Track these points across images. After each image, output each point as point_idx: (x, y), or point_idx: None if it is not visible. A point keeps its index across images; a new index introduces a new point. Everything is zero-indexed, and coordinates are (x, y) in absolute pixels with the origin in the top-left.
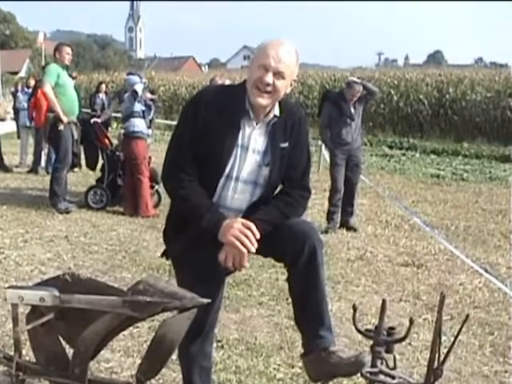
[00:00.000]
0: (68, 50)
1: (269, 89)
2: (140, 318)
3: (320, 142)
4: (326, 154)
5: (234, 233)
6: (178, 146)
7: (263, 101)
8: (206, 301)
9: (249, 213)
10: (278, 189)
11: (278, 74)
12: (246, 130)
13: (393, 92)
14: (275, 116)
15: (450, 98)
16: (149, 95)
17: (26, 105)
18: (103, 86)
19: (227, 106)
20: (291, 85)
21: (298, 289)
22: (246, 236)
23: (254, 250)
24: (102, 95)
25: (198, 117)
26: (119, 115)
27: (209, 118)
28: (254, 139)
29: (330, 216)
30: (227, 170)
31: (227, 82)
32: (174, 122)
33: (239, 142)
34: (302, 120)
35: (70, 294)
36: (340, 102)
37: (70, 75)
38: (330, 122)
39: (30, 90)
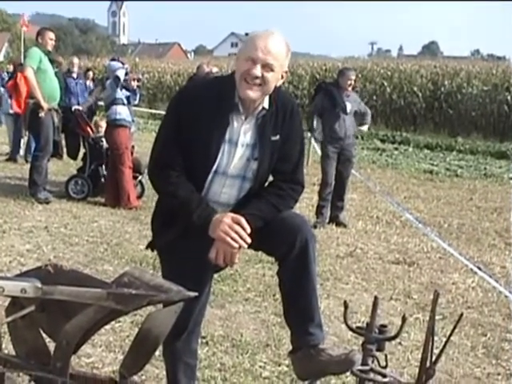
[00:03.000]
0: (51, 35)
1: (258, 81)
2: (124, 312)
3: (309, 134)
4: (316, 146)
5: (223, 228)
6: (164, 141)
7: (253, 93)
8: (192, 294)
9: (239, 207)
10: (269, 181)
11: (267, 66)
12: (235, 124)
13: (386, 84)
14: (264, 108)
15: (445, 91)
16: (133, 75)
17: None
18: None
19: (214, 100)
20: (282, 77)
21: (289, 283)
22: (236, 232)
23: (245, 245)
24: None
25: (182, 113)
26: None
27: (194, 114)
28: (242, 133)
29: (319, 210)
30: (215, 165)
31: (214, 70)
32: (158, 111)
33: (227, 137)
34: (295, 111)
35: (53, 286)
36: (334, 92)
37: (55, 60)
38: (323, 113)
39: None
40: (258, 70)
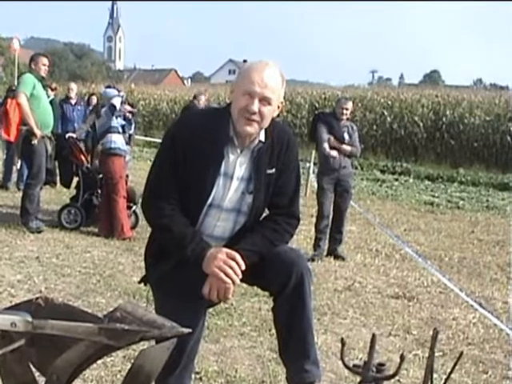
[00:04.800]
0: (45, 60)
1: (256, 117)
2: (116, 347)
3: (308, 164)
4: (313, 177)
5: (217, 264)
6: (158, 175)
7: (251, 129)
8: (186, 330)
9: (233, 241)
10: (265, 215)
11: (264, 100)
12: (230, 157)
13: (386, 113)
14: (260, 141)
15: (447, 121)
16: (128, 107)
17: None
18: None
19: (209, 134)
20: (278, 107)
21: (284, 319)
22: (231, 267)
23: (238, 281)
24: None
25: (177, 146)
26: None
27: (189, 147)
28: (238, 167)
29: (316, 243)
30: (210, 198)
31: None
32: (154, 139)
33: (222, 170)
34: (291, 143)
35: (43, 320)
36: (332, 122)
37: (49, 86)
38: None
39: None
40: (255, 106)
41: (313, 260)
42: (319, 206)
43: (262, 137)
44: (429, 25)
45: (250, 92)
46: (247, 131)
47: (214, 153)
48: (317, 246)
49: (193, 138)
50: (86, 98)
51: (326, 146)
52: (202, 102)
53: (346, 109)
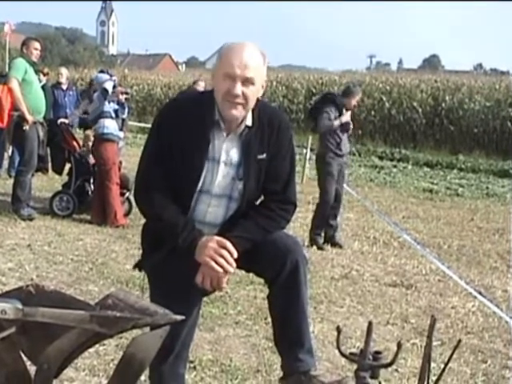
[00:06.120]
0: (37, 45)
1: (239, 100)
2: (108, 335)
3: (305, 151)
4: (308, 164)
5: (208, 253)
6: (147, 164)
7: (236, 112)
8: (179, 317)
9: (227, 228)
10: (260, 200)
11: (247, 81)
12: (216, 141)
13: (384, 98)
14: (247, 126)
15: (446, 107)
16: (120, 88)
17: None
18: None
19: (194, 118)
20: (263, 87)
21: (278, 306)
22: (222, 256)
23: (232, 270)
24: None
25: (164, 134)
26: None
27: (175, 133)
28: (225, 151)
29: (314, 231)
30: (199, 184)
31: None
32: (148, 125)
33: (209, 155)
34: (283, 127)
35: (34, 307)
36: (342, 110)
37: (41, 71)
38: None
39: None
40: (238, 89)
41: (320, 248)
42: (325, 194)
43: (248, 121)
44: (428, 11)
45: (230, 75)
46: (233, 115)
47: (200, 137)
48: (316, 234)
49: (178, 124)
50: (87, 83)
51: (336, 122)
52: (201, 87)
53: (359, 95)
